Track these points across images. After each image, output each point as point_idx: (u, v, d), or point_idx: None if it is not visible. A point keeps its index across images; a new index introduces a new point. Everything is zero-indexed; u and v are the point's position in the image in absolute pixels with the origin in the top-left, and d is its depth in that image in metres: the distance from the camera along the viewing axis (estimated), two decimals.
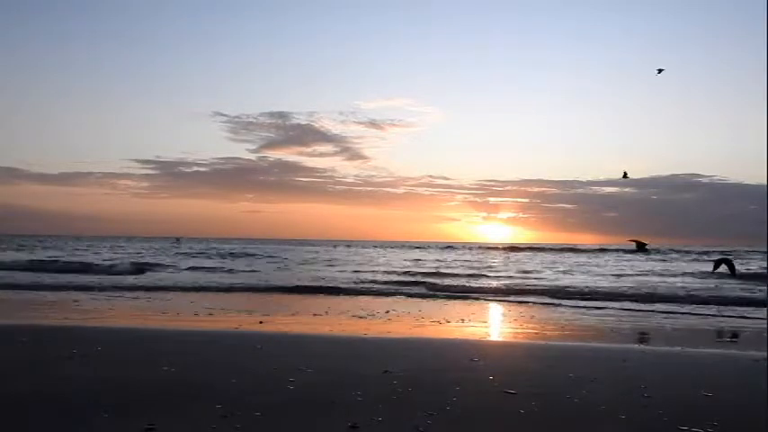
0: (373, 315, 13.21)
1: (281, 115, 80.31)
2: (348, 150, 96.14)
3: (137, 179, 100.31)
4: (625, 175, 13.65)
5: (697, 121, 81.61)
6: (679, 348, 9.07)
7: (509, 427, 4.65)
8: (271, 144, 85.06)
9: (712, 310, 15.39)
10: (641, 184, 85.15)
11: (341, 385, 5.80)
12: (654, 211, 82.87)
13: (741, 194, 77.06)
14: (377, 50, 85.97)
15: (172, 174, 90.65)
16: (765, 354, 8.17)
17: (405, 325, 11.67)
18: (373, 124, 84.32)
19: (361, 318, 12.69)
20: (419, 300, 17.70)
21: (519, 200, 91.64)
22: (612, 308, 15.45)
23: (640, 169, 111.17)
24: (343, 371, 6.52)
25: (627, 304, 16.41)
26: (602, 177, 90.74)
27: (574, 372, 6.69)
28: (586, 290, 20.16)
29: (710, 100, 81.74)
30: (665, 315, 14.19)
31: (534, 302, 17.12)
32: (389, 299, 17.75)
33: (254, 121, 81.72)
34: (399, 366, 6.68)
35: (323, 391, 5.53)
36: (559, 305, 16.45)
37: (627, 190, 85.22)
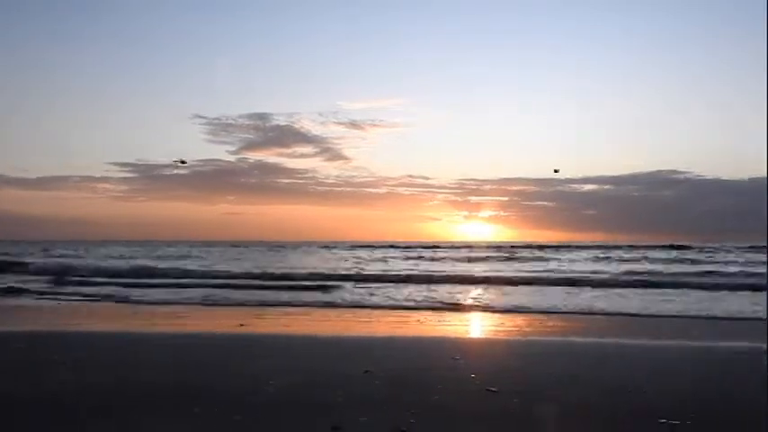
0: (354, 315, 13.11)
1: (261, 116, 79.86)
2: (329, 151, 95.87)
3: (116, 182, 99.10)
4: (556, 171, 14.01)
5: (676, 118, 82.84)
6: (658, 341, 9.18)
7: (491, 426, 4.65)
8: (251, 145, 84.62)
9: (692, 298, 15.69)
10: (620, 181, 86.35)
11: (323, 386, 5.77)
12: (633, 208, 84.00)
13: (719, 190, 78.51)
14: (357, 51, 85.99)
15: (151, 177, 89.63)
16: (746, 345, 8.37)
17: (385, 324, 11.64)
18: (354, 125, 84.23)
19: (341, 318, 12.63)
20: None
21: (499, 198, 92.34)
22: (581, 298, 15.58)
23: (620, 166, 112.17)
24: (326, 371, 6.49)
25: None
26: (580, 175, 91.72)
27: (555, 368, 6.73)
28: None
29: (688, 97, 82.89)
30: (640, 308, 14.33)
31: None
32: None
33: (234, 122, 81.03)
34: (381, 366, 6.65)
35: (304, 392, 5.49)
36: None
37: (606, 187, 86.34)
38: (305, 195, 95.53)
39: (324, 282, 21.09)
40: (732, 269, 25.93)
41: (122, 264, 32.01)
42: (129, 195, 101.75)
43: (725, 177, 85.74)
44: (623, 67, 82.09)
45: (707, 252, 41.26)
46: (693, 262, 32.29)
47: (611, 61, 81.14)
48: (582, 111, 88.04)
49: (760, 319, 12.07)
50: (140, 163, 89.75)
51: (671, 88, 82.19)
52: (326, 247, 61.18)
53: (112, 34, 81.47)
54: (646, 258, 35.86)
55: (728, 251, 42.20)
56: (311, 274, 24.64)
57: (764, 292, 16.95)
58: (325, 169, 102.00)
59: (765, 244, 45.86)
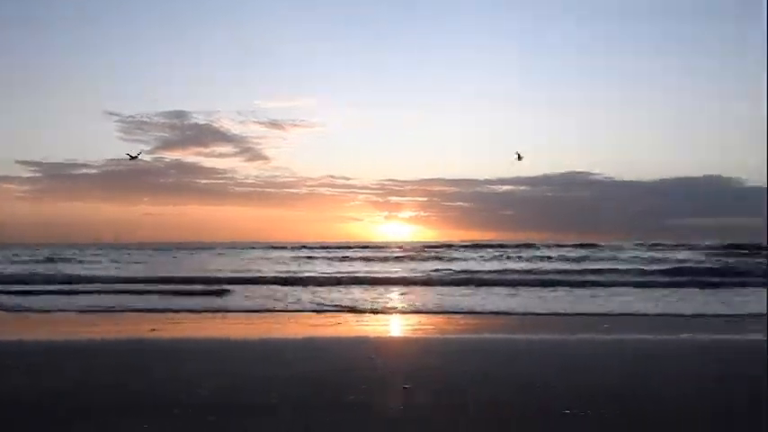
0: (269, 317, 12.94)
1: (178, 115, 76.74)
2: (249, 151, 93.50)
3: (19, 182, 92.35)
4: (519, 157, 14.29)
5: (587, 121, 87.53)
6: (565, 337, 9.61)
7: (406, 423, 4.74)
8: (167, 145, 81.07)
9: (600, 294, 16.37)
10: (535, 182, 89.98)
11: (243, 390, 5.71)
12: (548, 209, 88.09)
13: (628, 191, 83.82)
14: (277, 49, 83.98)
15: (59, 176, 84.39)
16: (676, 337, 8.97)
17: (303, 326, 11.60)
18: (274, 124, 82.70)
19: (258, 321, 12.47)
20: None
21: (419, 199, 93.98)
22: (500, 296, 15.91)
23: (535, 167, 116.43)
24: (249, 374, 6.43)
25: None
26: (498, 176, 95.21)
27: (470, 365, 6.92)
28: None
29: (601, 101, 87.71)
30: (549, 304, 14.83)
31: None
32: None
33: (149, 120, 77.45)
34: (302, 367, 6.66)
35: (227, 396, 5.42)
36: None
37: (522, 188, 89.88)
38: (225, 196, 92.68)
39: (238, 285, 20.42)
40: (622, 266, 27.35)
41: (18, 269, 29.70)
42: (35, 196, 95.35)
43: (632, 179, 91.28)
44: (539, 71, 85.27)
45: (611, 250, 43.16)
46: (594, 260, 33.65)
47: (526, 63, 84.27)
48: (498, 113, 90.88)
49: (661, 315, 12.88)
50: (46, 162, 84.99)
51: (586, 93, 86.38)
52: (248, 248, 59.05)
53: (20, 23, 76.43)
54: (549, 258, 36.78)
55: (634, 248, 44.67)
56: (223, 278, 23.30)
57: (651, 289, 18.27)
58: (246, 169, 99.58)
59: (669, 243, 49.77)
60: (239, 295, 17.60)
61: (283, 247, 57.56)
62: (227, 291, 18.53)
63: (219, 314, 13.41)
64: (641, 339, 9.32)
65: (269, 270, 28.76)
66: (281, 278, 22.89)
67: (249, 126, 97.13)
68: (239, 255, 47.71)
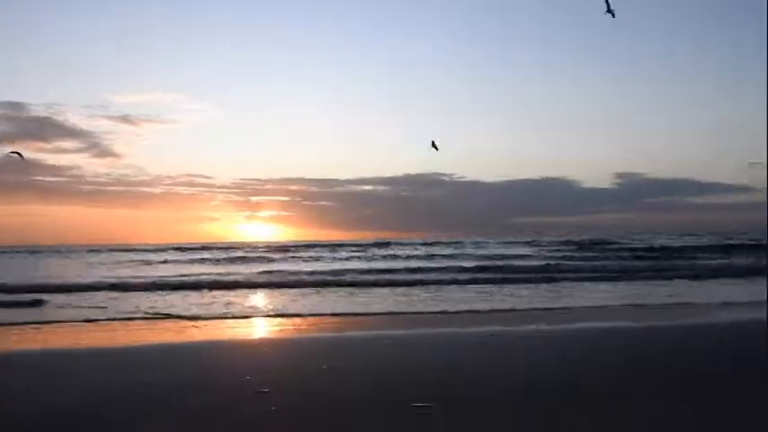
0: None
1: (15, 106, 71.36)
2: (97, 147, 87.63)
3: None
4: (435, 146, 14.16)
5: (444, 123, 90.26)
6: (418, 331, 9.94)
7: (261, 426, 4.70)
8: (2, 138, 75.21)
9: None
10: (393, 182, 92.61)
11: (101, 401, 5.43)
12: (405, 208, 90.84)
13: (477, 191, 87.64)
14: (130, 39, 78.88)
15: None
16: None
17: (155, 333, 10.88)
18: (126, 120, 78.57)
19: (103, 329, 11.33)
20: None
21: (280, 198, 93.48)
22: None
23: (393, 167, 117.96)
24: (103, 385, 6.07)
25: None
26: (358, 176, 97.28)
27: (328, 362, 6.94)
28: None
29: (447, 104, 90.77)
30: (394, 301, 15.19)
31: None
32: None
33: None
34: (164, 376, 6.43)
35: (88, 411, 5.11)
36: None
37: (381, 188, 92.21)
38: (70, 195, 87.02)
39: (62, 293, 17.66)
40: (452, 263, 28.31)
41: None
42: None
43: (481, 179, 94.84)
44: (399, 74, 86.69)
45: (455, 248, 44.60)
46: (431, 258, 34.51)
47: (387, 65, 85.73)
48: (358, 113, 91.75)
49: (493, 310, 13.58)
50: None
51: (443, 96, 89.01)
52: (94, 251, 52.99)
53: None
54: (397, 256, 37.13)
55: (480, 245, 46.60)
56: (45, 285, 20.06)
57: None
58: (94, 167, 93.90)
59: (515, 240, 51.86)
60: (55, 304, 15.01)
61: (132, 250, 52.81)
62: (42, 301, 15.53)
63: (38, 325, 11.47)
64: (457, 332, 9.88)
65: (104, 275, 25.30)
66: (109, 284, 19.98)
67: (98, 120, 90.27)
68: (79, 258, 43.13)
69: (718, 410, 4.80)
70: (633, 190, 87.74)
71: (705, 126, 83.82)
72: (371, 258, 36.30)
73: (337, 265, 29.95)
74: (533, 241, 49.73)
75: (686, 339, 8.38)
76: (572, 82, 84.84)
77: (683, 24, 77.64)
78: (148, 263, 34.94)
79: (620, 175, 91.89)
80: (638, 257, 30.78)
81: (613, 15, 9.33)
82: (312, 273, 24.91)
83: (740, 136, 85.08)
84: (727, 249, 34.55)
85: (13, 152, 13.31)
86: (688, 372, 6.14)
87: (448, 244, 49.69)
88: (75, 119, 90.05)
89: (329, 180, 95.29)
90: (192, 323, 11.59)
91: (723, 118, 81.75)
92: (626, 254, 33.21)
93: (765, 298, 12.54)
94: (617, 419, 4.62)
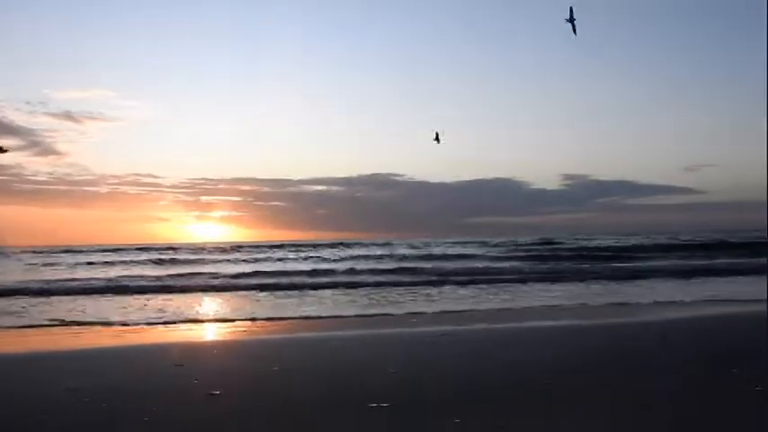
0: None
1: None
2: (38, 145, 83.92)
3: None
4: (438, 138, 14.10)
5: (391, 124, 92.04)
6: (373, 331, 9.94)
7: (212, 430, 4.59)
8: None
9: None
10: (347, 182, 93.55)
11: (23, 410, 5.15)
12: (359, 208, 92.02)
13: (431, 191, 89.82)
14: (73, 33, 76.16)
15: None
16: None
17: (97, 335, 10.52)
18: (69, 117, 76.59)
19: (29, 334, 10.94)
20: None
21: (232, 198, 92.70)
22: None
23: (346, 167, 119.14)
24: (26, 394, 5.78)
25: None
26: (311, 176, 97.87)
27: (280, 364, 6.83)
28: None
29: (400, 104, 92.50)
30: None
31: None
32: None
33: None
34: (93, 381, 6.13)
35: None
36: None
37: (334, 188, 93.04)
38: (8, 194, 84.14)
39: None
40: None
41: None
42: None
43: (430, 180, 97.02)
44: (350, 73, 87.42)
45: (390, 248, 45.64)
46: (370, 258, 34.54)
47: (339, 65, 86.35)
48: (311, 113, 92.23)
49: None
50: None
51: (393, 96, 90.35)
52: (33, 252, 50.81)
53: None
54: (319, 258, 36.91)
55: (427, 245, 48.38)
56: None
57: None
58: (35, 165, 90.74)
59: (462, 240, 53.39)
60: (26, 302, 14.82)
61: (72, 251, 51.02)
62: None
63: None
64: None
65: (33, 279, 23.46)
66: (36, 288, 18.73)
67: (38, 118, 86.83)
68: (16, 259, 40.01)
69: (671, 409, 4.94)
70: (581, 191, 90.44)
71: (647, 129, 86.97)
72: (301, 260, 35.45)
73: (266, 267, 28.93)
74: (483, 242, 50.61)
75: (634, 337, 8.61)
76: (523, 84, 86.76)
77: (628, 28, 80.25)
78: (88, 264, 33.47)
79: (568, 177, 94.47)
80: (582, 257, 31.63)
81: (575, 32, 9.30)
82: (237, 275, 23.78)
83: (680, 139, 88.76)
84: (668, 249, 36.05)
85: None
86: (636, 370, 6.30)
87: (396, 245, 50.20)
88: (13, 115, 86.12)
89: (282, 180, 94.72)
90: (122, 328, 11.13)
91: (663, 121, 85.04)
92: (566, 254, 34.32)
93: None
94: (568, 417, 4.69)
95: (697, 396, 5.12)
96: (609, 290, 16.87)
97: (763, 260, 23.65)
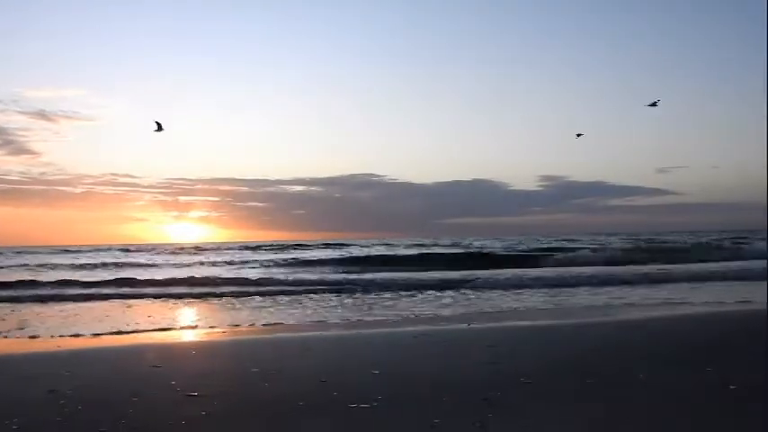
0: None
1: None
2: (11, 144, 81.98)
3: None
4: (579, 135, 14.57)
5: (371, 124, 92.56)
6: (355, 331, 9.98)
7: None
8: None
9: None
10: (325, 182, 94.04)
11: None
12: (337, 209, 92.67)
13: (410, 192, 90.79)
14: (47, 31, 74.88)
15: None
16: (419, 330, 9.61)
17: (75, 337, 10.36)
18: (43, 116, 75.47)
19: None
20: None
21: (210, 198, 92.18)
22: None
23: (325, 168, 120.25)
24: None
25: None
26: (290, 176, 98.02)
27: (260, 365, 6.77)
28: None
29: (379, 105, 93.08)
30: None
31: None
32: None
33: None
34: (69, 384, 6.03)
35: None
36: None
37: (313, 189, 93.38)
38: None
39: None
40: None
41: None
42: None
43: (413, 181, 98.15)
44: (329, 73, 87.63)
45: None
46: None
47: (316, 65, 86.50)
48: (288, 112, 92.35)
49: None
50: None
51: (374, 97, 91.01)
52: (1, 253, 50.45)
53: None
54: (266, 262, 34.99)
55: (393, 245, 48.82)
56: None
57: None
58: (7, 164, 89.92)
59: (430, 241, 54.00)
60: None
61: (40, 252, 50.33)
62: None
63: None
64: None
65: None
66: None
67: (11, 116, 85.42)
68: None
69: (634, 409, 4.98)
70: (558, 192, 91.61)
71: (620, 130, 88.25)
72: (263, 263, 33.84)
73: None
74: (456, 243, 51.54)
75: (608, 336, 8.70)
76: (502, 86, 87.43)
77: (602, 29, 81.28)
78: (52, 266, 32.59)
79: (546, 178, 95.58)
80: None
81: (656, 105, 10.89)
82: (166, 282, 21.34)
83: (652, 140, 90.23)
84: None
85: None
86: (608, 369, 6.36)
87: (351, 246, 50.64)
88: None
89: (260, 180, 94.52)
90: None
91: (637, 122, 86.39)
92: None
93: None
94: (546, 417, 4.73)
95: (671, 395, 5.18)
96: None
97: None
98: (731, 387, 5.30)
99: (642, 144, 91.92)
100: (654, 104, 13.03)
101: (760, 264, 21.06)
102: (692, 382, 5.62)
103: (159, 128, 12.46)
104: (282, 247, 50.11)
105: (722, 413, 4.69)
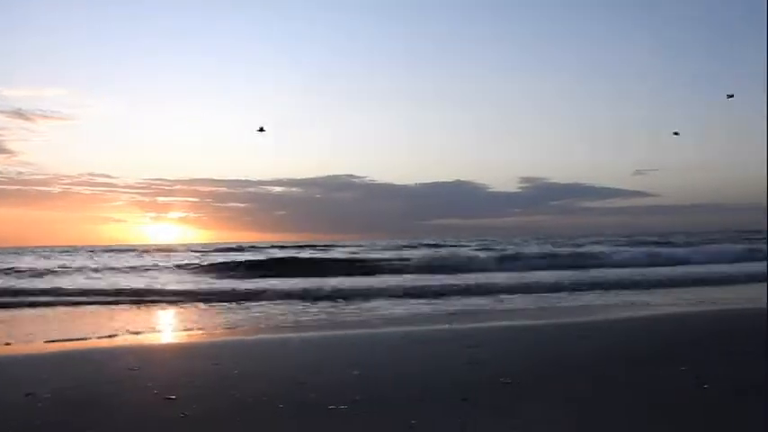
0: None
1: None
2: None
3: None
4: (261, 129, 14.33)
5: (351, 124, 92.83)
6: (333, 332, 9.96)
7: None
8: None
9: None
10: (306, 184, 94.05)
11: None
12: (318, 210, 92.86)
13: (391, 193, 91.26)
14: (24, 30, 73.86)
15: None
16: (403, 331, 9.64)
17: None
18: (20, 114, 74.32)
19: None
20: None
21: (189, 199, 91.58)
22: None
23: (306, 169, 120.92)
24: None
25: None
26: (270, 177, 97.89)
27: (239, 367, 6.76)
28: None
29: (360, 106, 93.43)
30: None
31: None
32: None
33: None
34: (47, 387, 5.94)
35: None
36: None
37: (294, 190, 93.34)
38: None
39: None
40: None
41: None
42: None
43: (394, 182, 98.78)
44: (313, 72, 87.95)
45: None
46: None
47: (299, 65, 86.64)
48: (267, 112, 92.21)
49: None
50: None
51: (354, 99, 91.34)
52: None
53: None
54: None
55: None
56: None
57: None
58: None
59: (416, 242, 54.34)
60: None
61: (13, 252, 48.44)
62: None
63: None
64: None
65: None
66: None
67: None
68: None
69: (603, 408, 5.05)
70: (538, 194, 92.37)
71: (599, 132, 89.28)
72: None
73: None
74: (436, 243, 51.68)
75: (587, 337, 8.78)
76: (483, 88, 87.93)
77: (581, 31, 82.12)
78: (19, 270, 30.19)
79: (526, 180, 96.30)
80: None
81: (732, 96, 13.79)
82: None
83: (630, 142, 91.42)
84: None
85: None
86: (585, 369, 6.46)
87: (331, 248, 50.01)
88: None
89: (240, 181, 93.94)
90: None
91: (616, 124, 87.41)
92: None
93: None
94: (526, 417, 4.76)
95: (645, 394, 5.25)
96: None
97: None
98: (705, 387, 5.39)
99: (620, 146, 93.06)
100: (731, 96, 14.67)
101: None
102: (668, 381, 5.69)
103: (261, 129, 12.65)
104: (229, 249, 48.90)
105: (696, 411, 4.78)
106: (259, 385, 5.83)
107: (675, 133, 16.87)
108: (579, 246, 42.52)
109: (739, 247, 34.27)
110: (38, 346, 9.26)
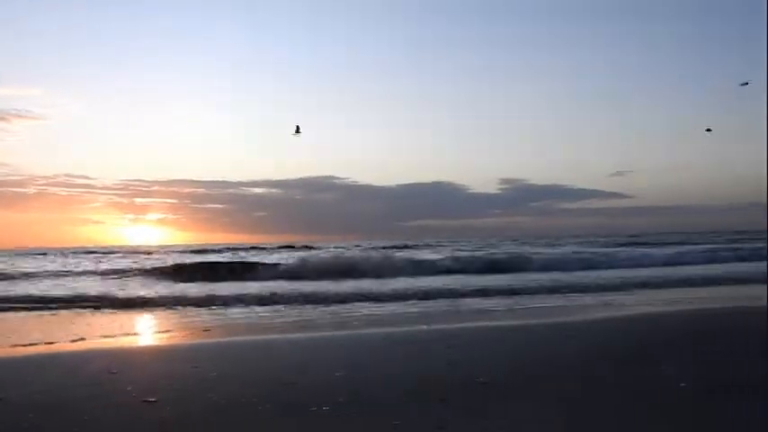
0: None
1: None
2: None
3: None
4: (708, 129, 15.91)
5: (333, 125, 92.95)
6: (322, 333, 9.94)
7: None
8: None
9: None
10: (287, 185, 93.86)
11: None
12: (298, 211, 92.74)
13: (369, 194, 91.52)
14: None
15: None
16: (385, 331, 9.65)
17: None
18: None
19: None
20: None
21: (168, 200, 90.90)
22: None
23: (286, 169, 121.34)
24: None
25: None
26: (250, 178, 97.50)
27: (218, 369, 6.72)
28: None
29: (341, 106, 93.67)
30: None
31: None
32: None
33: None
34: (19, 391, 5.87)
35: None
36: None
37: (274, 191, 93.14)
38: None
39: None
40: None
41: None
42: None
43: (374, 183, 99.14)
44: (294, 72, 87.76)
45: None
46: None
47: (282, 63, 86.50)
48: (247, 112, 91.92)
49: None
50: None
51: (335, 99, 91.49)
52: None
53: None
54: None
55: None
56: None
57: None
58: None
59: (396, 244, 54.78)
60: None
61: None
62: None
63: None
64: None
65: None
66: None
67: None
68: None
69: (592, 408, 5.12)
70: (517, 195, 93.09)
71: (578, 133, 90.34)
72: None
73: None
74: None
75: (569, 337, 8.87)
76: (463, 89, 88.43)
77: (560, 34, 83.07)
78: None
79: (505, 181, 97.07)
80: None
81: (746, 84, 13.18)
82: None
83: (607, 143, 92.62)
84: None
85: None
86: (564, 368, 6.51)
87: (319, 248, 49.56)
88: None
89: (219, 182, 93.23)
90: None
91: (595, 126, 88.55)
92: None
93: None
94: (506, 417, 4.79)
95: (623, 393, 5.33)
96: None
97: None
98: (682, 385, 5.48)
99: (598, 148, 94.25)
100: (745, 84, 14.76)
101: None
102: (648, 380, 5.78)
103: (297, 130, 12.56)
104: (198, 251, 47.43)
105: (673, 410, 4.85)
106: (242, 388, 5.77)
107: (708, 130, 17.23)
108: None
109: (701, 247, 34.83)
110: (4, 351, 9.03)
